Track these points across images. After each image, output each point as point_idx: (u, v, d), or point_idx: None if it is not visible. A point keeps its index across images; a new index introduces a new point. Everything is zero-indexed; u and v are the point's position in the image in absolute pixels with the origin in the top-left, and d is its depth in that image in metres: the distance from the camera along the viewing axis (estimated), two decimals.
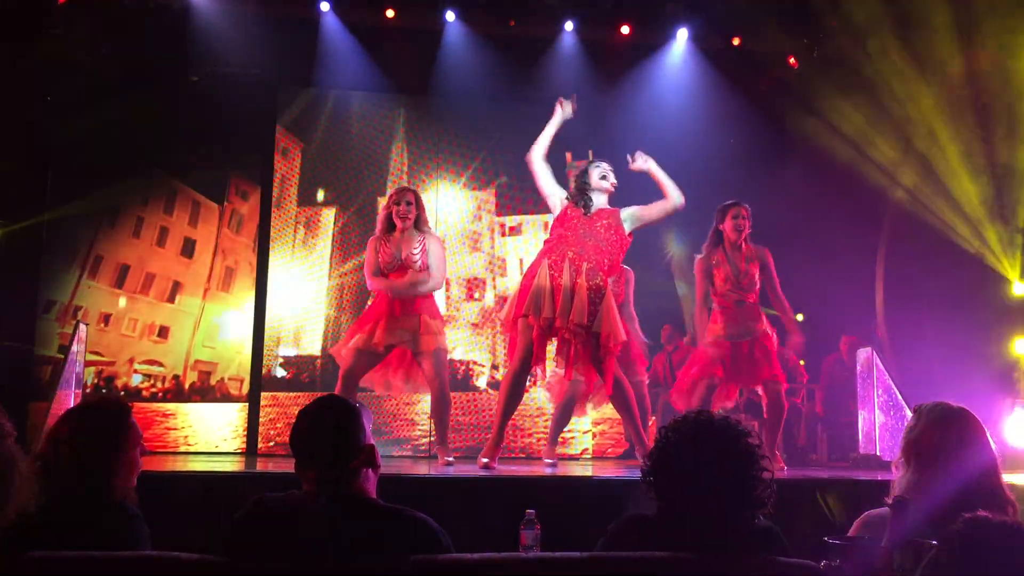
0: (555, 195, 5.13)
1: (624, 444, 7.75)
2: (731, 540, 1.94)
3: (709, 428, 2.01)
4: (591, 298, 4.80)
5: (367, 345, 5.17)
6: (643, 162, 5.14)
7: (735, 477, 1.97)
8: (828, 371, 7.66)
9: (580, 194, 5.05)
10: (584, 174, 5.11)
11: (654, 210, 5.08)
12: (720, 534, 1.94)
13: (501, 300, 8.29)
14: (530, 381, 8.06)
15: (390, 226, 5.33)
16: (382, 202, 8.08)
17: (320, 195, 8.32)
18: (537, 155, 5.15)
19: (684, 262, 8.05)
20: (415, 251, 5.24)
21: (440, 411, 5.33)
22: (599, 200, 5.06)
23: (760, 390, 5.57)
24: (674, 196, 5.06)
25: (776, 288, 5.54)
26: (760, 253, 5.50)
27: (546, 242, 5.11)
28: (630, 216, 5.05)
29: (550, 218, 5.25)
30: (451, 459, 5.30)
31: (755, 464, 1.98)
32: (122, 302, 7.96)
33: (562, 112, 5.21)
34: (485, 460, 4.79)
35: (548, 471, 5.08)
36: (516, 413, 8.00)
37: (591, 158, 5.34)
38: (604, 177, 5.07)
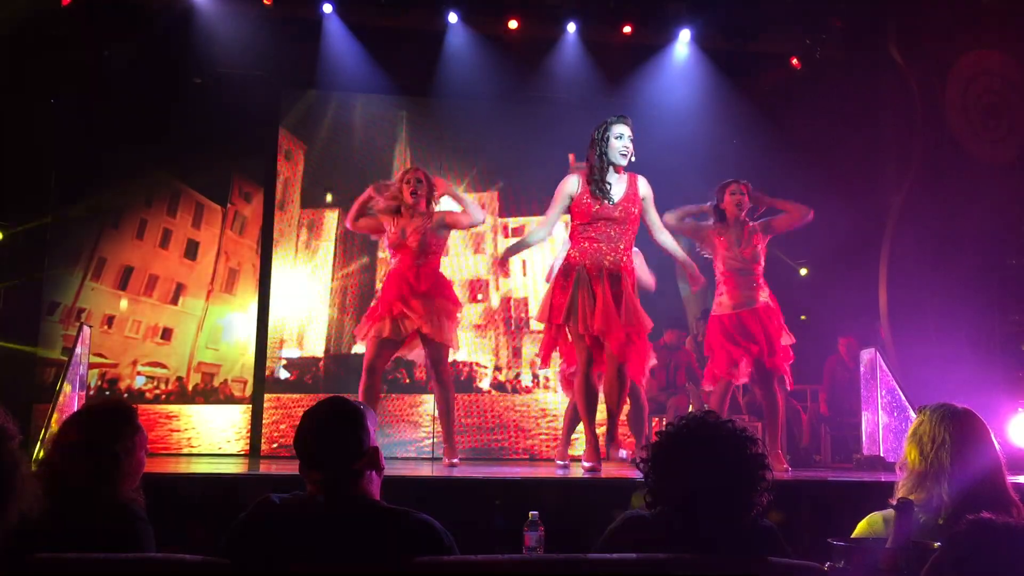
0: (567, 193, 4.86)
1: (627, 446, 7.74)
2: (726, 541, 1.94)
3: (713, 429, 2.01)
4: (627, 305, 4.72)
5: (387, 334, 5.14)
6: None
7: (733, 480, 1.96)
8: (830, 372, 7.66)
9: (599, 181, 4.77)
10: (603, 143, 4.78)
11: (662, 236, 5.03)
12: (715, 536, 1.94)
13: (505, 301, 8.30)
14: (532, 382, 8.11)
15: (398, 203, 5.28)
16: None
17: (328, 197, 8.33)
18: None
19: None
20: (422, 233, 5.21)
21: (441, 406, 5.30)
22: (615, 177, 4.81)
23: (754, 382, 5.56)
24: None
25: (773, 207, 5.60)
26: (760, 226, 5.54)
27: (573, 238, 4.89)
28: (645, 197, 4.88)
29: (567, 216, 5.05)
30: (456, 460, 5.28)
31: (756, 471, 1.98)
32: (125, 304, 7.98)
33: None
34: (589, 464, 4.79)
35: (560, 472, 5.05)
36: (519, 415, 8.05)
37: (611, 118, 4.82)
38: (624, 154, 4.75)
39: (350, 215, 5.48)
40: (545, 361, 5.16)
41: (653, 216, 4.96)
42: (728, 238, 5.47)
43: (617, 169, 4.80)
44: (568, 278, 4.81)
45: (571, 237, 4.95)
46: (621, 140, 4.77)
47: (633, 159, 4.82)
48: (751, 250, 5.45)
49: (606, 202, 4.78)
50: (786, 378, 5.54)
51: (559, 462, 5.49)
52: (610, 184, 4.80)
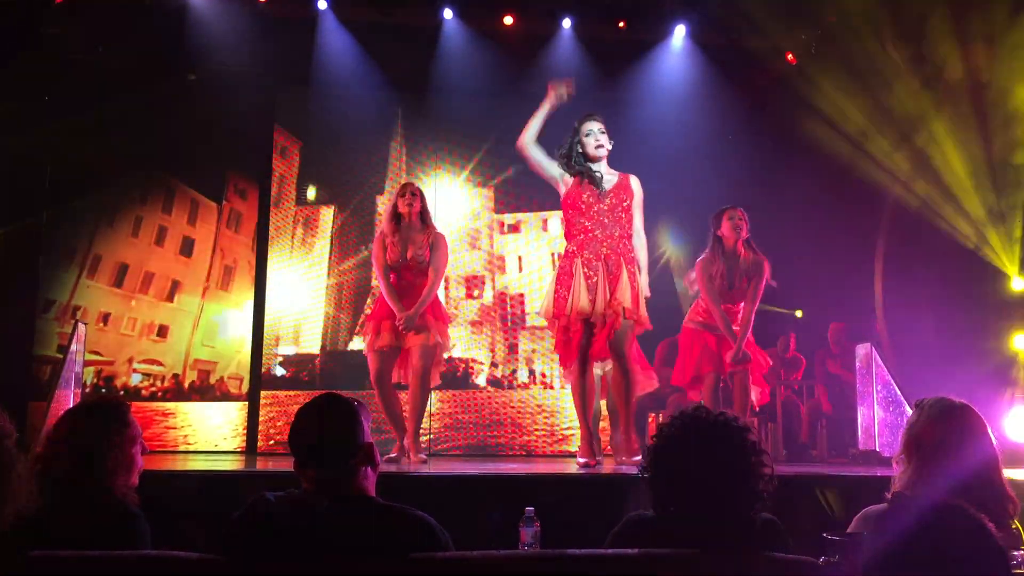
0: (557, 176, 4.86)
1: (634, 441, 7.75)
2: (732, 535, 1.93)
3: (706, 425, 2.00)
4: (632, 287, 4.72)
5: (379, 345, 5.21)
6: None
7: (733, 473, 1.96)
8: (821, 364, 7.69)
9: (584, 170, 4.77)
10: (575, 143, 4.80)
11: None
12: (720, 530, 1.94)
13: (501, 297, 8.29)
14: (528, 378, 8.12)
15: (396, 219, 5.31)
16: (381, 200, 8.10)
17: (311, 193, 8.32)
18: (528, 140, 4.81)
19: (682, 259, 8.04)
20: (420, 250, 5.25)
21: (415, 404, 5.25)
22: (602, 168, 4.81)
23: (729, 380, 5.57)
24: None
25: (755, 300, 5.49)
26: (758, 266, 5.47)
27: (569, 233, 4.86)
28: (635, 197, 4.87)
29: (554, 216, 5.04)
30: (424, 456, 5.30)
31: (753, 459, 1.97)
32: (121, 301, 7.96)
33: (555, 95, 4.82)
34: (583, 460, 4.80)
35: (584, 471, 5.00)
36: (516, 411, 8.04)
37: (580, 117, 4.84)
38: (600, 145, 4.78)
39: (379, 275, 5.39)
40: (563, 361, 5.07)
41: (637, 220, 4.92)
42: (721, 283, 5.43)
43: (597, 159, 4.79)
44: (567, 272, 4.80)
45: (567, 235, 4.92)
46: (591, 137, 4.79)
47: (610, 146, 4.81)
48: (740, 292, 5.43)
49: (597, 190, 4.78)
50: (758, 388, 5.54)
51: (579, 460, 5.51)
52: (600, 174, 4.80)
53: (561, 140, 4.92)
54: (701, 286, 5.50)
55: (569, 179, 4.85)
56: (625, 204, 4.82)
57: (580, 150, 4.81)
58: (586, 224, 4.79)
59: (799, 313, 8.31)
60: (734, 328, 5.43)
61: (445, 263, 5.39)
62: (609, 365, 5.34)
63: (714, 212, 5.57)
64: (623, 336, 4.75)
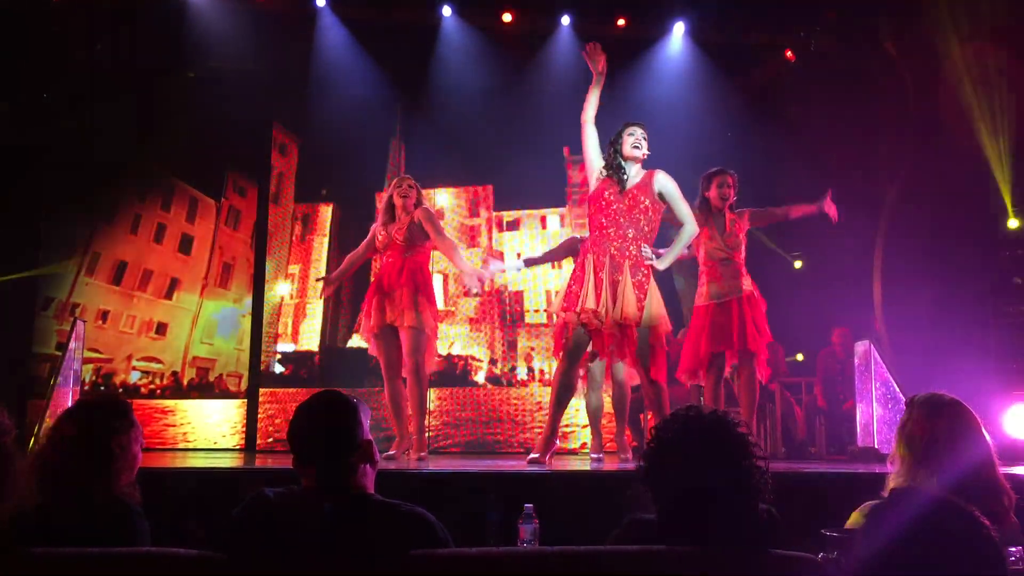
0: (595, 168, 4.96)
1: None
2: (732, 532, 1.94)
3: (697, 423, 2.00)
4: (636, 295, 4.71)
5: (373, 328, 5.21)
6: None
7: (728, 468, 1.96)
8: (823, 364, 7.68)
9: (615, 168, 4.88)
10: (617, 141, 4.94)
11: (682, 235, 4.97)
12: (720, 527, 1.94)
13: (499, 295, 8.30)
14: (528, 375, 8.12)
15: (390, 209, 5.34)
16: (380, 197, 8.10)
17: (310, 191, 8.32)
18: (588, 118, 4.98)
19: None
20: (403, 227, 5.26)
21: (413, 396, 5.23)
22: (632, 170, 4.90)
23: (736, 364, 5.54)
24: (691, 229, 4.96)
25: (774, 209, 5.65)
26: (742, 215, 5.54)
27: (590, 229, 4.95)
28: (664, 191, 4.88)
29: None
30: (424, 455, 5.28)
31: (747, 453, 1.98)
32: (120, 299, 7.97)
33: (593, 66, 5.08)
34: (535, 455, 4.82)
35: (593, 466, 5.00)
36: (515, 408, 8.05)
37: (627, 121, 5.03)
38: (637, 147, 4.89)
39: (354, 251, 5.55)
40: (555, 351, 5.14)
41: (677, 211, 4.93)
42: (711, 228, 5.47)
43: (631, 159, 4.88)
44: (581, 268, 4.86)
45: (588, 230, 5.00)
46: (632, 136, 4.90)
47: (647, 153, 4.92)
48: (733, 239, 5.46)
49: (619, 188, 4.83)
50: (763, 370, 5.54)
51: (593, 455, 5.50)
52: (625, 173, 4.86)
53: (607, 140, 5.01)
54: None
55: (602, 176, 4.91)
56: (643, 204, 4.81)
57: (619, 147, 4.91)
58: (602, 221, 4.83)
59: (798, 264, 8.34)
60: (804, 207, 5.58)
61: (440, 223, 5.46)
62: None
63: (705, 172, 5.60)
64: (642, 345, 4.74)
